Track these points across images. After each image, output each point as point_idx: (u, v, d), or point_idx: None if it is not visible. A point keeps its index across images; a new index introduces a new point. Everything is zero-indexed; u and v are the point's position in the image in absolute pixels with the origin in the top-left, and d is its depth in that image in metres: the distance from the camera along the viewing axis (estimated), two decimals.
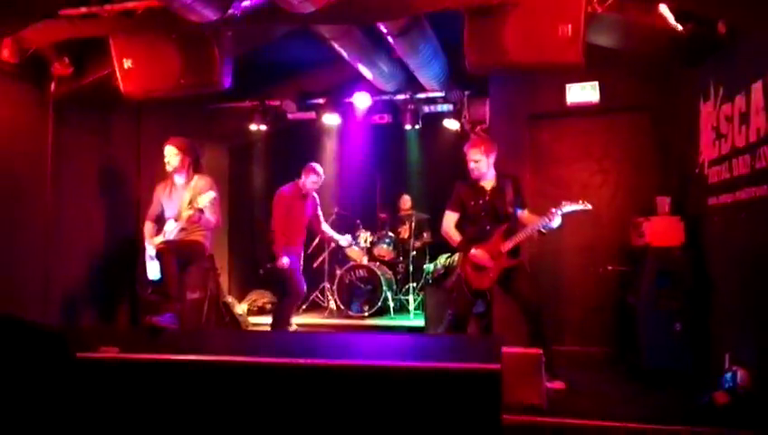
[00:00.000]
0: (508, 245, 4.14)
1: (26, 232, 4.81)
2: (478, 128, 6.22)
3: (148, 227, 4.95)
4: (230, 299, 6.50)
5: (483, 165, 4.26)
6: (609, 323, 5.09)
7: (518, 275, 4.19)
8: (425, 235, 7.43)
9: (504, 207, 4.21)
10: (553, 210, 4.06)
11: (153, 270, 4.75)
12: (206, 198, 4.57)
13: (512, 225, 4.21)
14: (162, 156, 4.86)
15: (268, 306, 7.34)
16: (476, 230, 4.25)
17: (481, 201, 4.26)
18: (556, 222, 4.06)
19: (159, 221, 4.92)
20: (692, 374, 4.17)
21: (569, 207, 4.09)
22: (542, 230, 4.17)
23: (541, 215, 4.15)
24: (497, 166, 4.38)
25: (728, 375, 3.48)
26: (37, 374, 2.39)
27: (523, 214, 4.28)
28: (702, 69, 4.32)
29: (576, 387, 4.10)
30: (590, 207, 4.16)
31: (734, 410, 3.30)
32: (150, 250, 4.79)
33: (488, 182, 4.31)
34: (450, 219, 4.36)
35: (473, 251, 4.17)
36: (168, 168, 4.83)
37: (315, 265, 7.28)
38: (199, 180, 4.81)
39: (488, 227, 4.23)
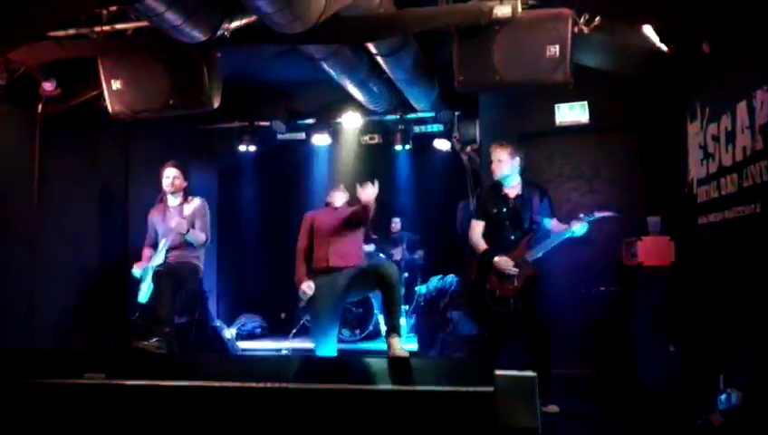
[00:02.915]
0: (534, 253, 4.10)
1: (12, 254, 4.74)
2: (469, 148, 6.25)
3: (147, 253, 4.84)
4: (219, 323, 6.41)
5: (504, 166, 4.19)
6: (601, 344, 5.05)
7: (534, 292, 4.15)
8: (416, 256, 7.41)
9: (529, 215, 4.16)
10: (582, 216, 4.07)
11: (143, 293, 4.67)
12: (192, 205, 4.66)
13: (537, 233, 4.17)
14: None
15: (257, 331, 7.26)
16: (499, 239, 4.19)
17: (504, 209, 4.21)
18: (581, 230, 4.05)
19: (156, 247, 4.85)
20: (686, 396, 4.14)
21: (599, 214, 4.10)
22: None
23: (567, 223, 4.15)
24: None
25: (722, 396, 3.46)
26: None
27: (551, 223, 4.22)
28: (688, 88, 4.37)
29: (570, 409, 4.05)
30: (620, 213, 4.17)
31: (729, 432, 3.27)
32: (137, 272, 4.71)
33: (512, 189, 4.24)
34: (477, 228, 4.28)
35: (496, 258, 4.10)
36: (171, 189, 4.77)
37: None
38: (196, 200, 4.83)
39: (512, 237, 4.17)
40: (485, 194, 4.38)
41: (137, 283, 4.78)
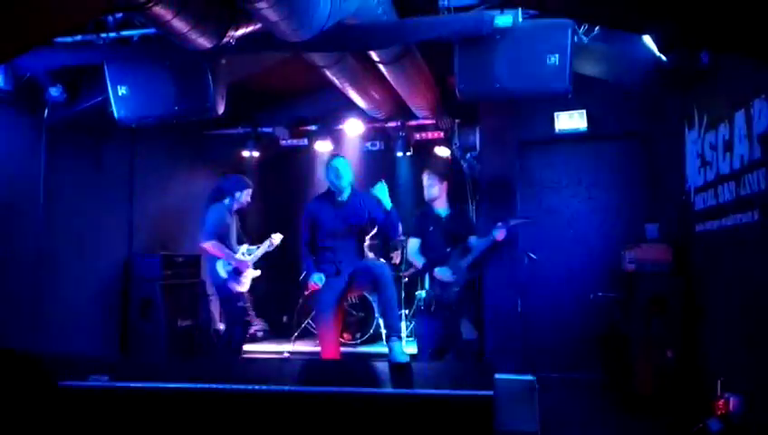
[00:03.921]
0: (467, 261, 4.60)
1: (17, 257, 4.77)
2: (469, 155, 6.30)
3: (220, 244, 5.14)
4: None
5: (435, 190, 4.75)
6: (599, 350, 5.09)
7: (470, 295, 4.73)
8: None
9: (459, 230, 4.71)
10: (500, 224, 4.52)
11: (245, 284, 5.22)
12: None
13: (467, 244, 4.67)
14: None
15: (260, 334, 7.27)
16: (437, 252, 4.67)
17: (438, 226, 4.72)
18: (501, 235, 4.49)
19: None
20: (684, 401, 4.17)
21: (514, 222, 4.57)
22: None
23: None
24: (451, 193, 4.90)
25: (720, 402, 3.48)
26: (20, 403, 2.36)
27: (473, 238, 4.72)
28: (686, 98, 4.41)
29: (568, 414, 4.08)
30: (532, 219, 4.70)
31: None
32: (226, 267, 5.12)
33: (443, 209, 4.78)
34: (414, 245, 4.79)
35: (436, 270, 4.57)
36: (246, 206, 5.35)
37: (307, 291, 7.25)
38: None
39: (447, 249, 4.66)
40: (420, 214, 4.87)
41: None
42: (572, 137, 5.41)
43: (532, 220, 4.69)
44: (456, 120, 6.50)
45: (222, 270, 5.13)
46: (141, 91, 4.39)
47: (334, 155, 4.70)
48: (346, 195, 4.33)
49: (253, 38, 3.92)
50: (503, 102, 5.37)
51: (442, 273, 4.55)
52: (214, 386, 2.93)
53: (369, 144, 7.24)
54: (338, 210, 4.32)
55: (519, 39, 3.83)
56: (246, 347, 6.64)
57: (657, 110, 5.04)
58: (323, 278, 4.26)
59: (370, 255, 7.01)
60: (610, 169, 5.44)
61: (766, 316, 3.31)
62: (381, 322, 6.84)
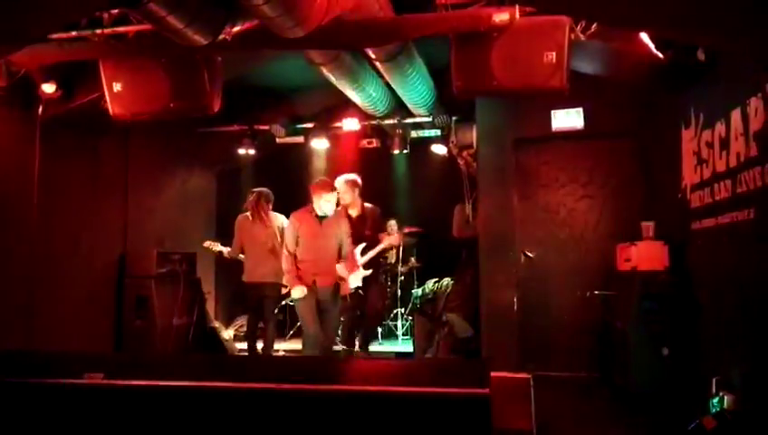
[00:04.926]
0: (362, 260, 5.44)
1: (11, 255, 4.75)
2: (465, 152, 6.29)
3: None
4: (217, 324, 6.44)
5: (348, 197, 5.52)
6: (595, 348, 5.10)
7: (370, 284, 5.66)
8: (412, 259, 7.43)
9: (363, 230, 5.44)
10: (397, 231, 5.77)
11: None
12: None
13: (369, 244, 5.43)
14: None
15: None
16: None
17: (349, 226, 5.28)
18: (396, 239, 5.73)
19: None
20: (680, 398, 4.18)
21: (407, 230, 5.79)
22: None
23: (390, 236, 5.82)
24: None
25: (715, 400, 3.49)
26: None
27: (381, 236, 5.56)
28: (683, 96, 4.42)
29: (564, 412, 4.08)
30: (424, 232, 5.94)
31: None
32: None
33: (354, 211, 5.60)
34: None
35: (337, 265, 5.09)
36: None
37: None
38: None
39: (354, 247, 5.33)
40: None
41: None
42: (569, 135, 5.40)
43: (424, 232, 5.74)
44: (453, 118, 6.50)
45: None
46: (136, 87, 4.36)
47: (328, 184, 5.07)
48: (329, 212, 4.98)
49: (249, 35, 3.90)
50: (499, 100, 5.38)
51: (338, 268, 5.07)
52: (209, 383, 2.91)
53: (365, 141, 7.23)
54: (319, 226, 4.97)
55: (516, 36, 3.82)
56: (243, 345, 6.65)
57: (654, 107, 5.05)
58: (305, 290, 4.85)
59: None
60: (607, 167, 5.44)
61: (762, 314, 3.31)
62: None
